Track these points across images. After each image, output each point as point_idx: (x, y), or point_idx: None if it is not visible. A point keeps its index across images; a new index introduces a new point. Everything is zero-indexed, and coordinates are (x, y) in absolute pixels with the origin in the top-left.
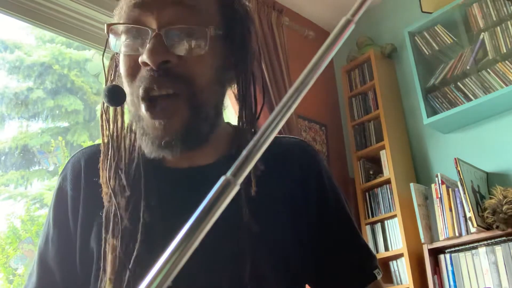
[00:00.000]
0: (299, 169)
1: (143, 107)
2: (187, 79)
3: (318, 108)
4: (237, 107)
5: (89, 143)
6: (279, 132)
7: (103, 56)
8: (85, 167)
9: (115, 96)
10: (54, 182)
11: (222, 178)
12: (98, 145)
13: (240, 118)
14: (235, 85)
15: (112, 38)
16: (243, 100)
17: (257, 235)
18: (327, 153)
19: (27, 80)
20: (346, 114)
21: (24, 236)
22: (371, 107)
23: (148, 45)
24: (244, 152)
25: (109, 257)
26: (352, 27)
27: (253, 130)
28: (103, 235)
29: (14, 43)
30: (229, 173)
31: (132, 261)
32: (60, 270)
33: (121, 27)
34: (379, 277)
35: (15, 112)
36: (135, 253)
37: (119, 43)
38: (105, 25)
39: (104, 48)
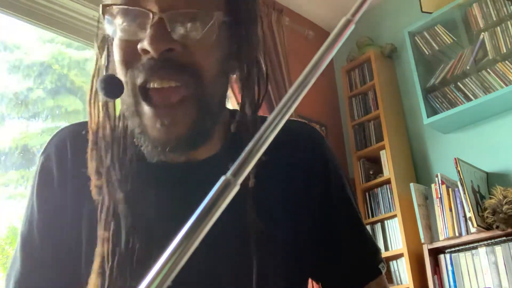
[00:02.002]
0: (304, 159)
1: (144, 103)
2: (193, 70)
3: (318, 108)
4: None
5: None
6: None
7: (95, 39)
8: (71, 149)
9: (113, 87)
10: None
11: (222, 178)
12: (85, 123)
13: (242, 105)
14: (236, 72)
15: (107, 20)
16: (246, 87)
17: (261, 235)
18: None
19: (26, 80)
20: (346, 114)
21: None
22: (371, 107)
23: (149, 30)
24: (244, 152)
25: (98, 251)
26: (352, 27)
27: (254, 118)
28: (98, 232)
29: (14, 43)
30: (229, 173)
31: (134, 260)
32: (46, 258)
33: (116, 8)
34: (383, 271)
35: (15, 112)
36: (133, 254)
37: (113, 26)
38: (100, 5)
39: (96, 31)
